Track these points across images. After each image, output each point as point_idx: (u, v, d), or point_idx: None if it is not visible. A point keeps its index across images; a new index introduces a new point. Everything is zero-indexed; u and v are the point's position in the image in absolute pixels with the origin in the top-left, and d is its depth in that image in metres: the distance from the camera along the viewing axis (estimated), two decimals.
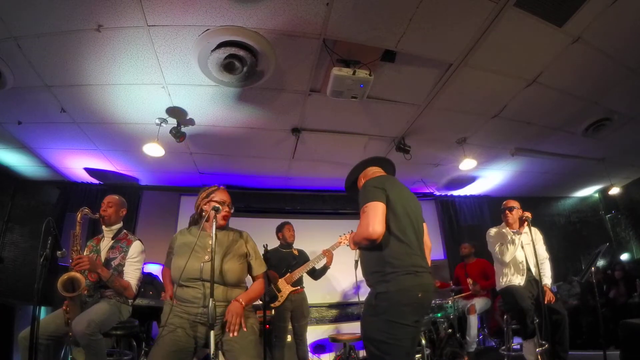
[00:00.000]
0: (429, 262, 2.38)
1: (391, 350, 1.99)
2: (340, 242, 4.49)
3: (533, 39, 3.33)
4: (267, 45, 3.24)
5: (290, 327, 4.37)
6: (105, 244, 3.13)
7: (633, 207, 7.48)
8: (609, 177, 6.95)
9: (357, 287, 6.71)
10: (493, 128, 4.90)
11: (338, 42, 3.27)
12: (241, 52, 3.17)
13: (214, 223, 2.25)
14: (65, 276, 2.61)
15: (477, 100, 4.30)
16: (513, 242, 3.69)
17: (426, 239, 2.47)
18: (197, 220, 2.57)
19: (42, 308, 4.31)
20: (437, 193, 7.52)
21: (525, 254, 3.75)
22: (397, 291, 2.05)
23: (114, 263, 3.01)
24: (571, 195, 8.33)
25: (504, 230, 3.88)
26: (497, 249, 3.82)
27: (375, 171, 2.59)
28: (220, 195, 2.51)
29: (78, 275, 2.64)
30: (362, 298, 6.04)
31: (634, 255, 7.37)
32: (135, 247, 3.11)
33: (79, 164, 5.59)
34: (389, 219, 2.16)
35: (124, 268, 3.03)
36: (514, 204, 3.90)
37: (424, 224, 2.46)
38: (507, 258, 3.72)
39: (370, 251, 2.21)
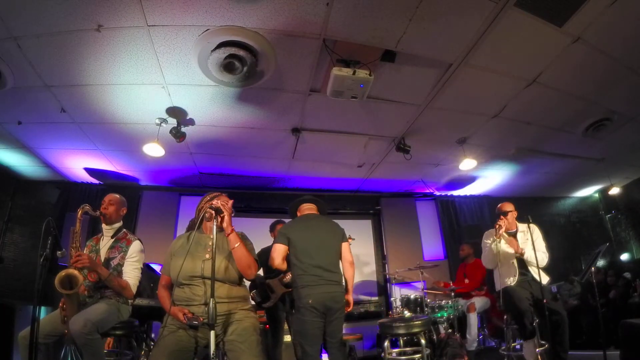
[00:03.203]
0: (350, 273, 3.40)
1: (302, 337, 3.12)
2: None
3: (533, 39, 3.33)
4: (267, 45, 3.24)
5: (286, 326, 4.35)
6: (105, 243, 3.13)
7: (633, 207, 7.48)
8: (609, 177, 6.96)
9: (357, 288, 6.72)
10: (493, 128, 4.91)
11: (338, 42, 3.27)
12: (241, 52, 3.17)
13: (215, 223, 2.25)
14: (62, 273, 2.60)
15: (477, 100, 4.31)
16: (492, 251, 3.75)
17: (347, 255, 3.43)
18: (195, 224, 2.56)
19: (42, 308, 4.30)
20: (437, 193, 7.52)
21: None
22: (298, 299, 3.20)
23: (113, 263, 3.01)
24: (571, 195, 8.34)
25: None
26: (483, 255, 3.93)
27: (306, 208, 3.64)
28: (224, 199, 2.52)
29: (76, 272, 2.63)
30: (360, 298, 6.07)
31: (634, 255, 7.37)
32: (135, 246, 3.10)
33: (79, 164, 5.59)
34: (291, 253, 3.30)
35: (123, 268, 3.03)
36: (508, 207, 3.91)
37: (345, 244, 3.46)
38: (492, 265, 3.79)
39: (291, 273, 3.44)
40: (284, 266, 3.34)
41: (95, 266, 2.83)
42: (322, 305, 3.10)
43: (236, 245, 2.34)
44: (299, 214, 3.66)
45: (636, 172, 7.04)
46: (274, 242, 3.39)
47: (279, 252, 3.29)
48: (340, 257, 3.41)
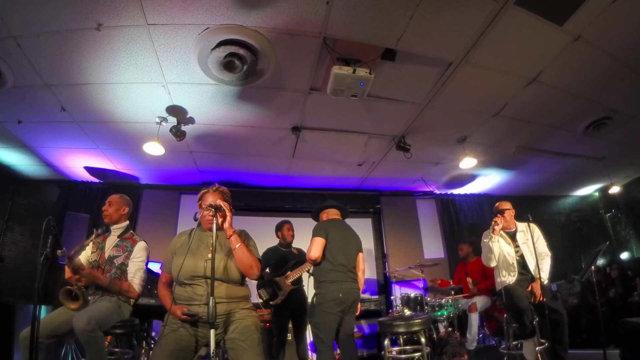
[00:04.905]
0: (362, 280, 3.71)
1: (321, 328, 3.34)
2: None
3: (533, 38, 3.33)
4: (267, 44, 3.23)
5: (290, 325, 4.37)
6: (111, 241, 3.15)
7: (633, 206, 7.47)
8: (609, 176, 6.95)
9: None
10: (493, 127, 4.90)
11: (338, 41, 3.27)
12: (241, 51, 3.17)
13: (214, 223, 2.25)
14: (66, 289, 2.66)
15: (478, 99, 4.30)
16: (490, 249, 3.72)
17: (360, 264, 3.75)
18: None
19: (43, 307, 4.31)
20: (437, 192, 7.53)
21: (521, 253, 3.75)
22: (326, 292, 3.41)
23: (117, 261, 3.02)
24: (571, 194, 8.33)
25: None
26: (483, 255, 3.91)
27: (333, 212, 3.88)
28: (211, 199, 2.47)
29: (74, 287, 2.68)
30: (362, 296, 6.05)
31: (634, 254, 7.37)
32: (139, 246, 3.12)
33: (79, 162, 5.59)
34: (326, 249, 3.51)
35: (127, 268, 3.04)
36: (505, 205, 3.90)
37: (361, 254, 3.78)
38: (492, 263, 3.78)
39: (315, 267, 3.59)
40: (320, 259, 3.50)
41: (94, 279, 2.85)
42: (348, 300, 3.43)
43: (237, 246, 2.34)
44: (325, 217, 3.88)
45: (636, 171, 7.04)
46: (314, 236, 3.56)
47: (319, 245, 3.49)
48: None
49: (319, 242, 3.50)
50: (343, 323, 3.44)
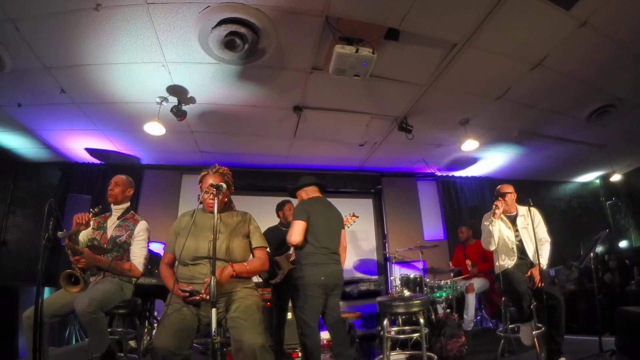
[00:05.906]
0: (344, 257, 3.66)
1: (306, 312, 3.27)
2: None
3: (539, 22, 3.27)
4: (269, 23, 3.18)
5: (290, 304, 4.41)
6: (112, 221, 3.16)
7: (634, 195, 7.48)
8: (611, 164, 6.94)
9: (357, 266, 6.79)
10: (496, 110, 4.87)
11: (341, 20, 3.22)
12: (242, 30, 3.12)
13: (215, 204, 2.25)
14: (66, 272, 2.66)
15: (481, 82, 4.26)
16: (490, 233, 3.70)
17: (343, 241, 3.69)
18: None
19: (46, 289, 4.35)
20: (439, 173, 7.53)
21: (520, 237, 3.74)
22: (308, 276, 3.31)
23: (120, 240, 3.05)
24: (572, 180, 8.32)
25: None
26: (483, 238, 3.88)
27: (310, 190, 3.70)
28: (211, 180, 2.50)
29: (75, 271, 2.68)
30: (359, 276, 6.05)
31: (633, 242, 7.39)
32: (141, 225, 3.15)
33: (79, 144, 5.58)
34: (308, 231, 3.39)
35: (130, 247, 3.07)
36: (507, 189, 3.87)
37: (343, 231, 3.71)
38: (492, 247, 3.76)
39: (297, 251, 3.47)
40: (301, 243, 3.39)
41: (95, 261, 2.86)
42: (331, 283, 3.35)
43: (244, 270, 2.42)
44: (305, 195, 3.69)
45: (638, 160, 7.02)
46: (294, 219, 3.42)
47: (300, 229, 3.36)
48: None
49: (300, 225, 3.36)
50: (327, 306, 3.38)
